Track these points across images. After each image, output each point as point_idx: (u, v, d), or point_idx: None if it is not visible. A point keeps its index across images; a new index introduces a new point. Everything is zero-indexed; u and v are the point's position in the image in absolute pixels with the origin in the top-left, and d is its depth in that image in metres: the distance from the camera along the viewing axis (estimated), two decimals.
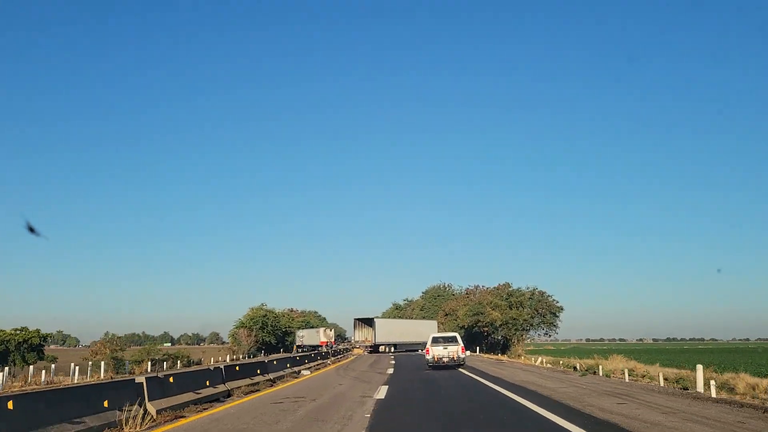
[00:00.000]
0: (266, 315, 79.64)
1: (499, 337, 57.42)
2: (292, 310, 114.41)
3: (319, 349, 67.27)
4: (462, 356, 27.92)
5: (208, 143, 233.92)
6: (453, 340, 28.65)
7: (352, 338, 66.68)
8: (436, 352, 27.69)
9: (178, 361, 47.11)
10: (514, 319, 49.73)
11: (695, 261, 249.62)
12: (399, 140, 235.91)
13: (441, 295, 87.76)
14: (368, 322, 62.19)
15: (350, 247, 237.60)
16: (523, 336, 52.93)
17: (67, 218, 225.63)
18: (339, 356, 47.24)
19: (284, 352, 76.83)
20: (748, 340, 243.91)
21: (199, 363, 52.13)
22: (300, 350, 76.43)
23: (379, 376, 23.29)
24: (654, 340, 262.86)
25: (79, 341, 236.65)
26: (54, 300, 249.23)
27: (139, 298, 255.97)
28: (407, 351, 62.49)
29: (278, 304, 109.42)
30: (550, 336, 54.02)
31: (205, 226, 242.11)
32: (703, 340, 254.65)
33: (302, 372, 25.60)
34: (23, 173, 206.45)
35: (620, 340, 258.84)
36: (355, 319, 64.58)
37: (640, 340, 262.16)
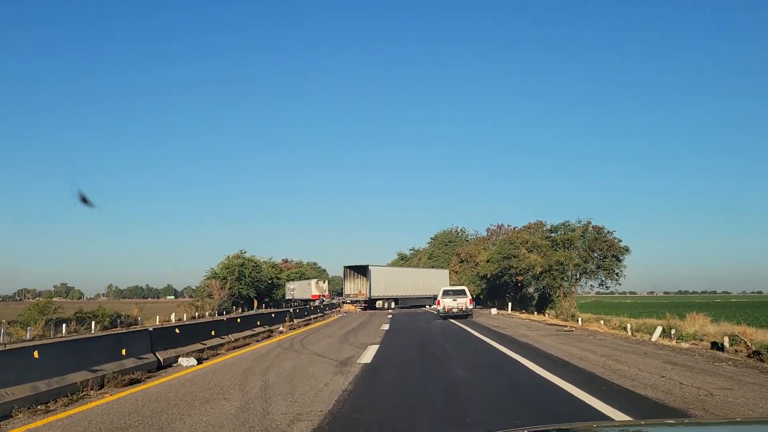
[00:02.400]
0: (243, 264, 66.40)
1: (532, 290, 43.61)
2: (285, 261, 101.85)
3: (311, 303, 54.72)
4: (470, 307, 29.66)
5: (215, 97, 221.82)
6: (462, 293, 30.21)
7: (344, 291, 53.26)
8: (446, 303, 29.20)
9: (93, 323, 33.77)
10: (561, 263, 35.79)
11: (707, 213, 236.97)
12: (401, 77, 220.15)
13: (453, 240, 73.84)
14: (361, 271, 48.60)
15: (356, 196, 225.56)
16: (573, 288, 38.84)
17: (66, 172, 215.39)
18: (313, 316, 33.80)
19: (271, 308, 64.56)
20: (761, 292, 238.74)
21: (134, 324, 39.25)
22: (290, 305, 64.27)
23: (334, 373, 9.67)
24: (665, 293, 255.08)
25: (83, 294, 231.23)
26: (58, 253, 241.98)
27: (143, 252, 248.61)
28: (412, 307, 49.18)
29: (277, 256, 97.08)
30: (608, 288, 39.94)
31: (210, 179, 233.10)
32: (715, 292, 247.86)
33: (180, 361, 11.93)
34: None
35: (630, 293, 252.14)
36: (345, 267, 50.95)
37: (651, 292, 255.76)
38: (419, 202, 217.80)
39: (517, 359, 11.76)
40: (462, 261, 55.01)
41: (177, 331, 12.77)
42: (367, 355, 13.11)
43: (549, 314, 34.85)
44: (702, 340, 18.13)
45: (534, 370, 10.11)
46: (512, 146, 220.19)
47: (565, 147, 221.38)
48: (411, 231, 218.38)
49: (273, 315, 22.74)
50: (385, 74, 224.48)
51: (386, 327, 23.61)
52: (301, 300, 64.03)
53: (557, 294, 37.15)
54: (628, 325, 22.52)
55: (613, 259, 37.25)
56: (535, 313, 37.78)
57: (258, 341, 17.84)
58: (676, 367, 10.39)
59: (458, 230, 77.16)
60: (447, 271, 56.11)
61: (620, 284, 38.89)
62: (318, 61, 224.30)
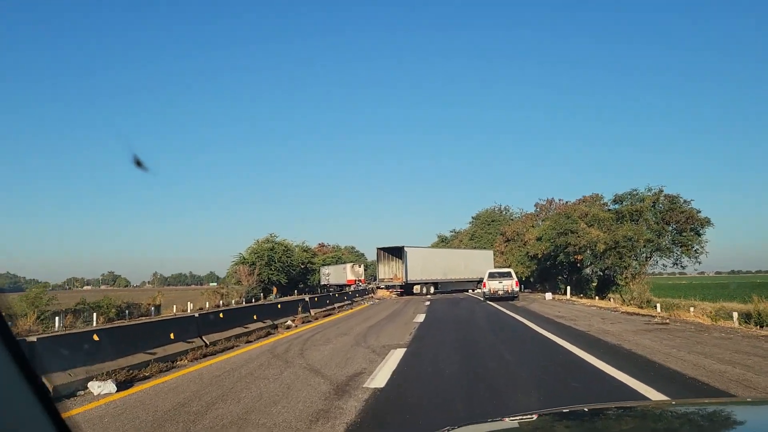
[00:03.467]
0: (273, 248, 62.87)
1: (590, 271, 38.18)
2: (322, 245, 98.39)
3: (346, 288, 50.71)
4: (515, 290, 29.86)
5: (254, 82, 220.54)
6: (508, 275, 30.50)
7: (377, 275, 48.78)
8: (492, 285, 29.52)
9: (95, 315, 30.36)
10: (629, 239, 30.46)
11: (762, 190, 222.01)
12: (442, 61, 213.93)
13: (496, 219, 68.56)
14: (396, 253, 44.02)
15: (395, 179, 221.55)
16: (644, 267, 33.09)
17: (114, 161, 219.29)
18: (338, 305, 29.44)
19: (304, 293, 60.80)
20: None
21: (146, 315, 35.94)
22: (327, 290, 60.54)
23: (313, 419, 5.15)
24: (716, 272, 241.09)
25: (129, 282, 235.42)
26: (104, 242, 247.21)
27: (186, 239, 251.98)
28: (453, 292, 44.45)
29: (315, 240, 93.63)
30: (684, 267, 34.13)
31: (251, 164, 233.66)
32: None
33: (91, 387, 7.64)
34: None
35: (680, 273, 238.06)
36: (378, 249, 46.36)
37: (701, 272, 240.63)
38: (459, 183, 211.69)
39: (632, 386, 6.97)
40: (508, 240, 49.80)
41: (96, 337, 8.47)
42: (385, 370, 8.63)
43: (614, 299, 29.67)
44: None
45: None
46: (556, 126, 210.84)
47: (603, 127, 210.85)
48: (451, 213, 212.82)
49: (279, 306, 18.40)
50: (419, 60, 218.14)
51: (421, 318, 19.10)
52: (337, 285, 60.36)
53: (623, 275, 31.69)
54: (734, 314, 17.34)
55: (692, 233, 31.41)
56: (596, 297, 32.55)
57: (249, 342, 13.55)
58: None
59: (502, 209, 71.85)
60: (491, 252, 51.08)
61: (700, 262, 32.97)
62: (350, 47, 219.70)
